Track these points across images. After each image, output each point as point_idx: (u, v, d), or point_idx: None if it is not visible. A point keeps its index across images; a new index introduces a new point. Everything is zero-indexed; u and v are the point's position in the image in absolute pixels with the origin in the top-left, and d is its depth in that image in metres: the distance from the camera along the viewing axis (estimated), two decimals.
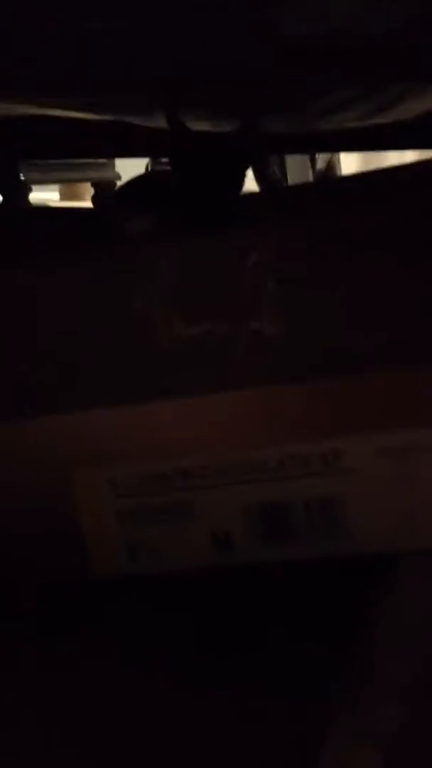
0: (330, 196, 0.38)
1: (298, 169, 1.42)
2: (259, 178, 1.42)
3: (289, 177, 1.43)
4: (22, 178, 1.28)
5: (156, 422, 0.33)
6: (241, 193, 0.90)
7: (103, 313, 0.33)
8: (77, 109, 0.87)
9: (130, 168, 1.43)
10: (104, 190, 1.49)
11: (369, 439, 0.32)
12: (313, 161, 1.45)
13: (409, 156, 1.50)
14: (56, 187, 1.95)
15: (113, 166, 1.51)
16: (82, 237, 0.41)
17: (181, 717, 0.29)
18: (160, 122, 0.91)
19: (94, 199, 1.56)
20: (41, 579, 0.36)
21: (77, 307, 0.34)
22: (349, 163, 1.54)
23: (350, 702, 0.27)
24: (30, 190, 1.35)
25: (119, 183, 1.46)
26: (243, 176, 0.86)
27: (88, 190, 1.70)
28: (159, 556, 0.35)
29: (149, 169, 1.53)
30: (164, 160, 1.58)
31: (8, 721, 0.30)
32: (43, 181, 1.49)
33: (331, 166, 1.46)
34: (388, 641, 0.30)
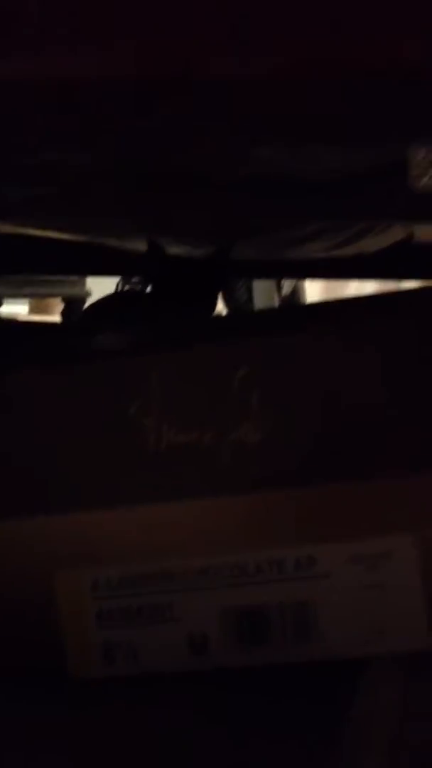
0: (306, 317, 0.41)
1: (264, 294, 1.48)
2: (227, 300, 1.48)
3: (255, 301, 1.49)
4: None
5: (139, 525, 0.35)
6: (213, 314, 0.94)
7: (94, 418, 0.35)
8: (57, 230, 0.91)
9: (100, 285, 1.48)
10: (74, 306, 1.52)
11: (342, 547, 0.34)
12: (279, 286, 1.51)
13: (368, 286, 1.57)
14: (26, 300, 1.99)
15: (84, 283, 1.56)
16: (65, 347, 0.43)
17: None
18: (133, 244, 0.96)
19: (63, 314, 1.59)
20: (17, 677, 0.36)
21: (67, 411, 0.36)
22: (313, 289, 1.60)
23: None
24: (1, 303, 1.38)
25: (89, 300, 1.50)
26: (216, 298, 0.91)
27: (57, 304, 1.73)
28: (136, 658, 0.35)
29: (119, 287, 1.58)
30: (134, 279, 1.63)
31: None
32: (16, 295, 1.53)
33: (296, 292, 1.53)
34: (360, 735, 0.31)
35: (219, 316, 1.16)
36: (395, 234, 0.95)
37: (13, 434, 0.36)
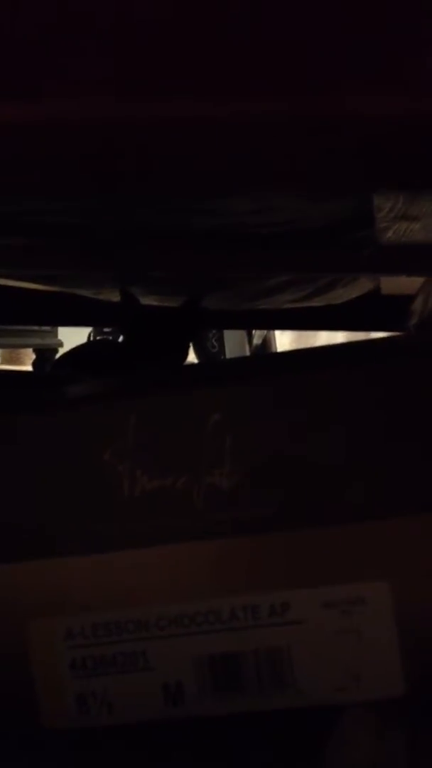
0: (277, 365, 0.41)
1: (235, 344, 1.50)
2: (198, 350, 1.49)
3: (226, 351, 1.51)
4: None
5: (113, 572, 0.35)
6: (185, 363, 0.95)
7: (67, 464, 0.35)
8: (29, 281, 0.91)
9: (73, 336, 1.48)
10: (46, 357, 1.53)
11: (315, 592, 0.34)
12: (249, 337, 1.53)
13: (339, 337, 1.59)
14: None
15: (56, 333, 1.56)
16: (37, 394, 0.43)
17: None
18: (106, 294, 0.97)
19: (35, 365, 1.59)
20: None
21: (39, 457, 0.36)
22: (283, 340, 1.62)
23: None
24: None
25: (61, 350, 1.50)
26: (187, 348, 0.92)
27: (29, 354, 1.73)
28: (110, 709, 0.35)
29: (91, 337, 1.59)
30: (106, 329, 1.64)
31: None
32: None
33: (267, 342, 1.54)
34: None
35: (191, 365, 1.17)
36: (363, 285, 0.97)
37: None
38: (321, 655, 0.34)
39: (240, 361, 0.77)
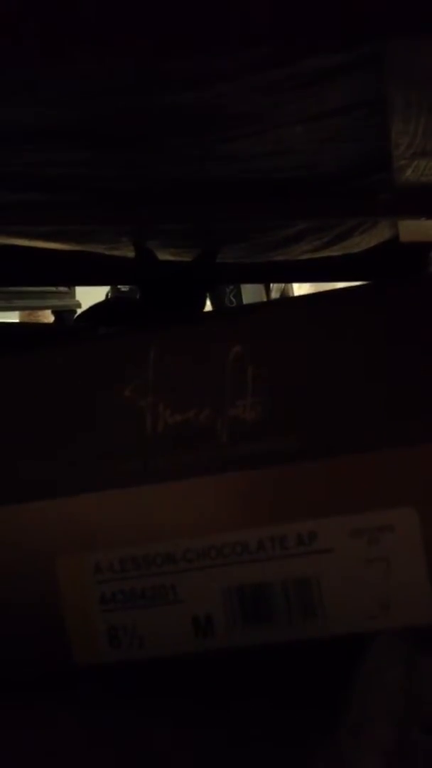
0: (298, 301, 0.41)
1: (253, 298, 1.49)
2: (216, 305, 1.48)
3: None
4: None
5: (140, 507, 0.35)
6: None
7: (90, 401, 0.35)
8: (44, 239, 0.91)
9: (90, 296, 1.48)
10: (64, 318, 1.53)
11: (342, 521, 0.34)
12: (267, 290, 1.52)
13: None
14: (16, 313, 1.99)
15: (74, 293, 1.56)
16: (59, 334, 0.43)
17: None
18: (121, 251, 0.96)
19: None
20: (21, 669, 0.36)
21: (64, 393, 0.36)
22: (301, 293, 1.61)
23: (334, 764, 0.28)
24: None
25: (79, 310, 1.50)
26: (204, 302, 0.91)
27: (47, 316, 1.74)
28: (141, 642, 0.35)
29: (109, 296, 1.58)
30: (123, 288, 1.64)
31: None
32: (6, 308, 1.54)
33: (285, 296, 1.53)
34: (366, 705, 0.31)
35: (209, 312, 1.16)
36: (382, 232, 0.95)
37: (9, 419, 0.36)
38: (350, 584, 0.34)
39: (259, 304, 0.77)
